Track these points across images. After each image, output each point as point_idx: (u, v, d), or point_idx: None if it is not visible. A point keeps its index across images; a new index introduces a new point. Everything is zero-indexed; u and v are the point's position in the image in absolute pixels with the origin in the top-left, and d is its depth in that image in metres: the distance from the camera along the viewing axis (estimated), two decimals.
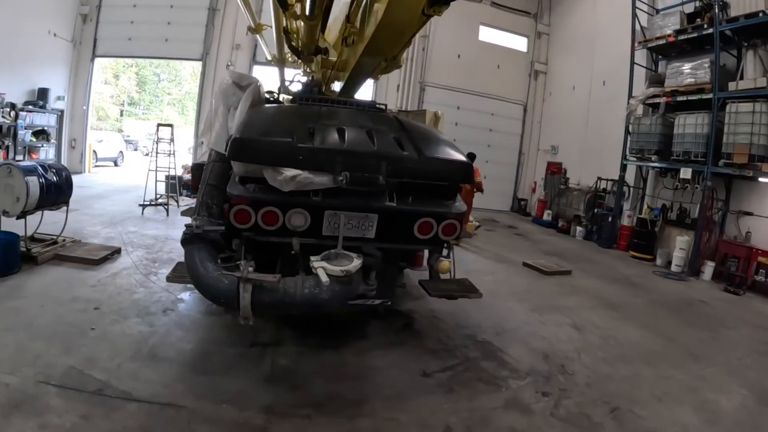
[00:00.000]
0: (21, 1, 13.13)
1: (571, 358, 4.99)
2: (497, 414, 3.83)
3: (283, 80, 8.40)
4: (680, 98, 10.20)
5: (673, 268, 9.87)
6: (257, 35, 8.64)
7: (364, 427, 3.49)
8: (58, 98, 15.25)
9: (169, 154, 11.58)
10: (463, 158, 4.33)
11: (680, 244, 9.89)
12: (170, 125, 11.88)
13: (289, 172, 3.75)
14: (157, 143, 11.46)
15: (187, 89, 35.04)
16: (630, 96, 11.66)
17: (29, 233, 6.62)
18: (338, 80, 6.55)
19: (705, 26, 9.65)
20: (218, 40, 15.77)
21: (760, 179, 8.93)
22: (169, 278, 4.31)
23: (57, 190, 6.69)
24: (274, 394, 3.81)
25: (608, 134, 12.87)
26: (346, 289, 3.56)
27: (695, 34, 9.92)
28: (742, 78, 9.27)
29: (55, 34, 14.82)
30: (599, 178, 13.00)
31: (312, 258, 3.60)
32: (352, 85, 5.92)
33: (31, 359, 3.95)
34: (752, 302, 8.18)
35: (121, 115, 35.68)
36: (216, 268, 3.63)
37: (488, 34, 17.13)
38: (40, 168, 6.54)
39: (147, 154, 27.38)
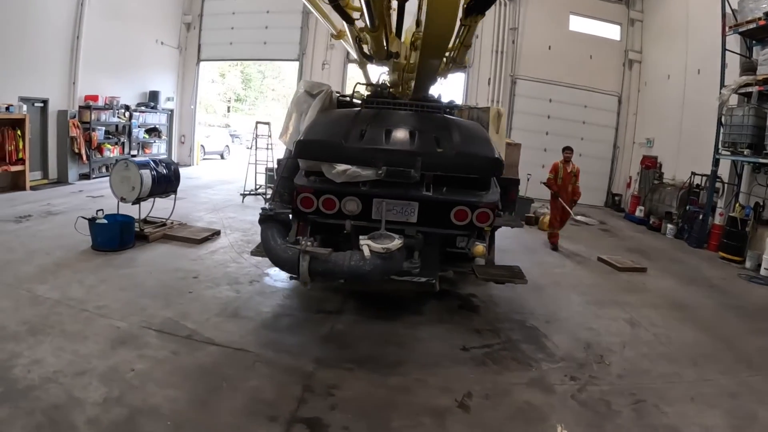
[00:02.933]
0: (131, 15, 14.98)
1: (614, 350, 5.06)
2: (518, 389, 4.16)
3: (368, 79, 9.08)
4: None
5: (762, 271, 9.07)
6: (341, 40, 9.28)
7: (395, 383, 4.08)
8: (168, 99, 17.27)
9: (267, 148, 12.83)
10: (493, 154, 4.83)
11: None
12: (267, 123, 13.18)
13: (341, 167, 4.57)
14: (255, 139, 12.73)
15: (290, 85, 36.99)
16: (722, 85, 10.84)
17: (143, 217, 7.96)
18: (412, 80, 7.01)
19: None
20: (313, 41, 16.80)
21: None
22: (253, 253, 5.43)
23: (166, 181, 8.02)
24: (326, 350, 4.62)
25: (704, 126, 12.00)
26: (386, 265, 4.26)
27: None
28: None
29: (162, 43, 16.83)
30: (693, 173, 12.29)
31: (360, 237, 4.31)
32: (420, 85, 6.40)
33: (138, 311, 5.02)
34: None
35: (228, 111, 38.48)
36: (283, 242, 4.57)
37: (579, 24, 16.59)
38: (152, 162, 7.89)
39: (249, 148, 29.54)
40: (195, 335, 4.62)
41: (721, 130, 10.91)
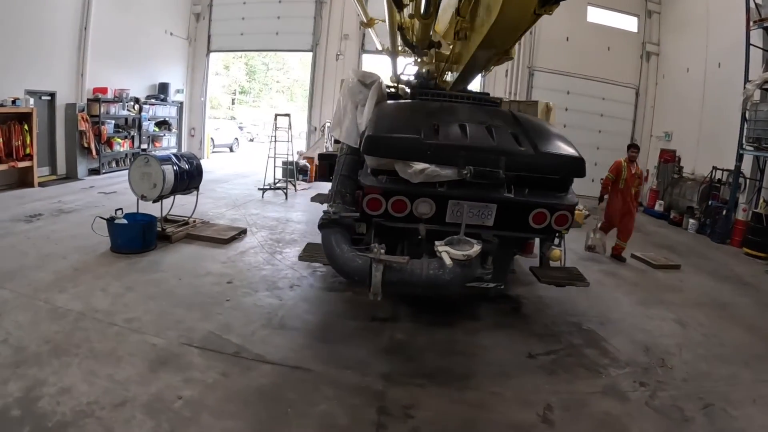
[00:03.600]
0: (140, 5, 14.59)
1: (672, 353, 5.00)
2: (595, 398, 4.03)
3: (395, 70, 8.84)
4: None
5: None
6: (369, 29, 9.03)
7: (471, 398, 3.86)
8: (178, 91, 16.89)
9: (288, 141, 12.48)
10: (575, 153, 4.58)
11: None
12: (287, 114, 12.76)
13: (418, 165, 4.19)
14: (275, 131, 12.34)
15: (295, 77, 37.00)
16: (746, 80, 10.70)
17: (163, 215, 7.47)
18: (451, 71, 6.74)
19: None
20: (327, 31, 16.56)
21: None
22: (302, 257, 4.93)
23: (189, 177, 7.55)
24: (391, 364, 4.27)
25: (725, 120, 11.93)
26: (465, 272, 3.93)
27: None
28: None
29: (171, 33, 16.42)
30: (714, 168, 12.16)
31: (436, 242, 3.99)
32: (465, 77, 6.14)
33: (173, 324, 4.59)
34: None
35: (233, 103, 38.20)
36: (350, 249, 4.14)
37: (596, 15, 16.30)
38: (173, 157, 7.43)
39: (251, 140, 29.31)
40: (243, 352, 4.21)
41: (745, 125, 10.80)
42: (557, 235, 4.67)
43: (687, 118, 14.11)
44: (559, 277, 5.11)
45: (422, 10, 4.83)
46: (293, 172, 12.55)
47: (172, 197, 7.54)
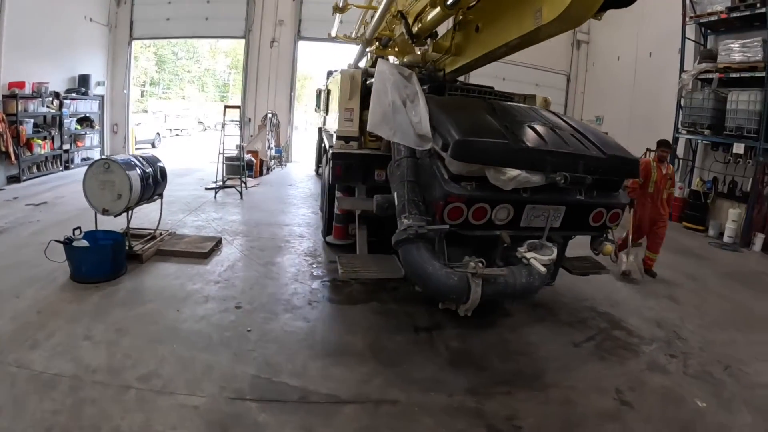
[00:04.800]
0: None
1: (678, 325, 5.45)
2: (646, 375, 4.30)
3: (358, 60, 8.46)
4: (733, 75, 10.33)
5: (725, 239, 10.12)
6: (338, 14, 8.62)
7: (555, 396, 3.87)
8: (98, 84, 15.27)
9: (240, 135, 11.79)
10: (632, 155, 4.75)
11: (732, 216, 10.16)
12: (238, 107, 11.96)
13: (512, 172, 3.99)
14: (224, 126, 11.40)
15: (206, 66, 35.23)
16: (681, 70, 11.68)
17: (124, 229, 6.29)
18: (438, 62, 6.45)
19: (758, 5, 9.70)
20: (261, 16, 15.83)
21: None
22: (343, 275, 4.57)
23: (155, 183, 6.50)
24: (466, 377, 4.04)
25: (656, 106, 12.91)
26: (546, 275, 3.98)
27: (748, 12, 9.96)
28: None
29: (91, 19, 14.75)
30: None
31: (519, 249, 3.99)
32: (467, 69, 6.03)
33: (204, 373, 3.72)
34: None
35: (142, 95, 35.53)
36: (442, 265, 3.93)
37: None
38: (134, 160, 6.29)
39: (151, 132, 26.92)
40: (310, 395, 3.53)
41: (680, 111, 11.78)
42: (606, 231, 4.83)
43: (618, 103, 15.10)
44: (585, 267, 5.37)
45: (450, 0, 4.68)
46: (243, 168, 11.73)
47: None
